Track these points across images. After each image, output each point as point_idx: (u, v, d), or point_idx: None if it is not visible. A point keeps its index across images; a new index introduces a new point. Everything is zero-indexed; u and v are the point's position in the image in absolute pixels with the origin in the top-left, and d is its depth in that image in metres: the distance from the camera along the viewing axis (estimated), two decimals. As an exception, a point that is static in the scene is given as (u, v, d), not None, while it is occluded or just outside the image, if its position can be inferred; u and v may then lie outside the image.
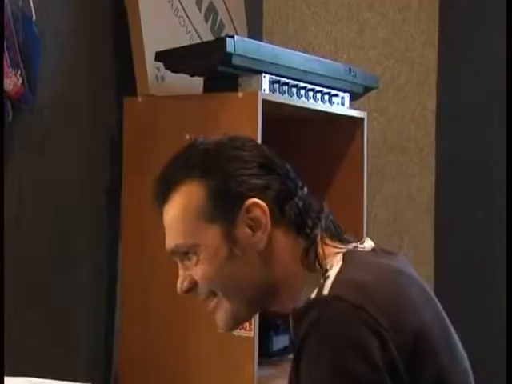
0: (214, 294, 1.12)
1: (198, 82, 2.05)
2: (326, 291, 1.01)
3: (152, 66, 2.11)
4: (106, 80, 2.15)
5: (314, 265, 1.09)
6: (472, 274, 2.67)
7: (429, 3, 2.76)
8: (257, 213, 1.09)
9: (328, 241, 1.12)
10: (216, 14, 2.42)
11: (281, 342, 2.12)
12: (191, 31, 2.31)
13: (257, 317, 1.93)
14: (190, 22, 2.31)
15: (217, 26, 2.41)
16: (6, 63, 1.71)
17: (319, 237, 1.11)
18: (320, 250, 1.10)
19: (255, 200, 1.09)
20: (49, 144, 1.97)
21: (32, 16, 1.79)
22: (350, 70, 2.23)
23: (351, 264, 1.06)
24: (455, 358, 1.08)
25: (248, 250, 1.09)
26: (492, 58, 2.64)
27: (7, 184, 1.82)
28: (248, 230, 1.09)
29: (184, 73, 2.05)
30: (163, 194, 1.13)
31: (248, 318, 1.16)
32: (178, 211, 1.11)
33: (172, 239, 1.14)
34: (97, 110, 2.12)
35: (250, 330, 1.93)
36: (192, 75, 2.05)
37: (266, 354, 2.08)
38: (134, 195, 2.10)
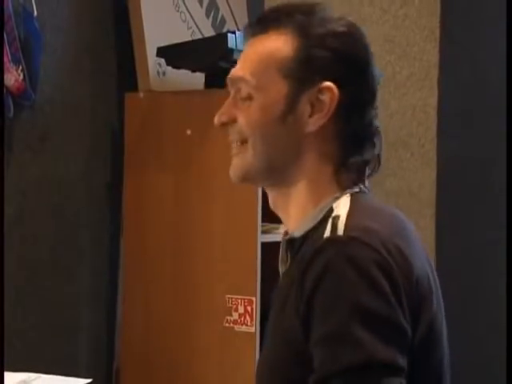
0: (242, 141, 1.09)
1: (199, 78, 2.05)
2: (340, 232, 1.00)
3: (153, 62, 2.11)
4: (107, 76, 2.15)
5: (342, 182, 1.08)
6: (473, 269, 2.68)
7: (430, -2, 2.76)
8: (326, 98, 1.06)
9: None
10: (217, 9, 2.42)
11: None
12: (192, 27, 2.31)
13: (258, 312, 1.94)
14: (192, 18, 2.31)
15: (218, 21, 2.41)
16: (8, 59, 1.71)
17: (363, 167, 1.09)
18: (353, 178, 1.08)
19: (333, 86, 1.06)
20: (50, 140, 1.97)
21: (33, 11, 1.79)
22: (351, 65, 2.22)
23: (359, 207, 1.05)
24: (440, 307, 1.09)
25: (298, 124, 1.07)
26: (493, 53, 2.64)
27: (9, 180, 1.82)
28: (309, 108, 1.07)
29: (185, 68, 2.06)
30: (261, 26, 1.10)
31: (257, 178, 1.11)
32: (263, 50, 1.09)
33: (241, 70, 1.11)
34: (98, 106, 2.12)
35: (252, 325, 1.94)
36: (193, 71, 2.05)
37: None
38: (135, 191, 2.10)
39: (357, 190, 1.09)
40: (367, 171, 1.11)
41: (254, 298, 1.94)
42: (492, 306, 2.57)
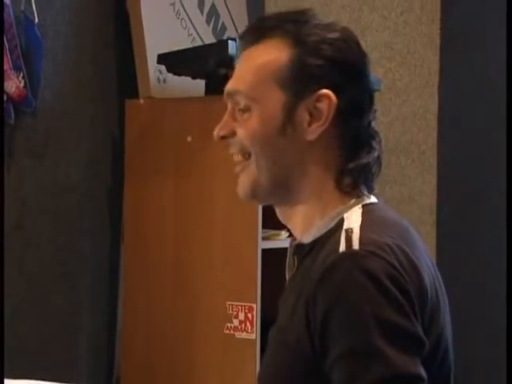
0: (244, 155, 1.09)
1: (199, 85, 2.06)
2: (355, 246, 1.00)
3: (154, 69, 2.12)
4: (108, 83, 2.15)
5: (344, 188, 1.08)
6: (473, 276, 2.67)
7: (431, 6, 2.76)
8: (324, 105, 1.06)
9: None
10: (218, 16, 2.42)
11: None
12: (193, 34, 2.31)
13: (258, 319, 1.93)
14: (192, 25, 2.31)
15: (218, 28, 2.41)
16: (9, 66, 1.71)
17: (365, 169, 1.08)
18: (357, 181, 1.09)
19: (330, 93, 1.06)
20: (51, 146, 1.97)
21: (34, 19, 1.80)
22: (351, 72, 2.23)
23: (371, 220, 1.05)
24: (447, 318, 1.09)
25: (298, 134, 1.07)
26: (494, 60, 2.64)
27: (10, 186, 1.82)
28: (307, 116, 1.06)
29: (186, 75, 2.06)
30: (253, 37, 1.10)
31: (265, 195, 1.11)
32: (258, 61, 1.08)
33: (237, 83, 1.10)
34: (99, 113, 2.12)
35: (252, 332, 1.93)
36: (194, 77, 2.05)
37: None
38: (135, 197, 2.10)
39: (367, 201, 1.09)
40: (370, 174, 1.11)
41: (254, 305, 1.94)
42: (493, 312, 2.57)
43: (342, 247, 1.00)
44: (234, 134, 1.09)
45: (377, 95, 2.74)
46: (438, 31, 2.75)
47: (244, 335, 1.94)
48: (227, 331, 1.96)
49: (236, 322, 1.95)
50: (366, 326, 0.95)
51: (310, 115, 1.07)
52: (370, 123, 1.11)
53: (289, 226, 1.14)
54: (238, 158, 1.10)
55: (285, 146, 1.07)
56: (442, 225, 2.73)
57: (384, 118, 2.78)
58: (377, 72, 2.70)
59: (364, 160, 1.09)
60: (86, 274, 2.08)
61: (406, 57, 2.77)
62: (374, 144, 1.11)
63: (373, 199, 1.12)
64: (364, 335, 0.95)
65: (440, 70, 2.75)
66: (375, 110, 1.13)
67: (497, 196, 2.59)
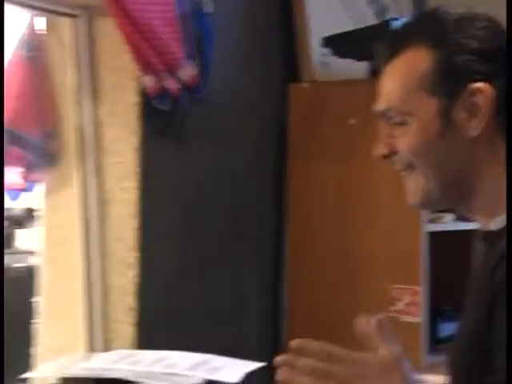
0: (410, 167, 1.07)
1: (363, 67, 2.05)
2: None
3: (317, 52, 2.13)
4: (272, 67, 2.18)
5: None
6: None
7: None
8: (480, 99, 1.03)
9: None
10: (380, -2, 2.39)
11: (448, 329, 2.08)
12: (354, 16, 2.30)
13: (424, 302, 1.91)
14: (354, 7, 2.30)
15: (381, 9, 2.39)
16: (183, 55, 1.78)
17: None
18: None
19: (482, 85, 1.03)
20: (218, 131, 2.03)
21: (208, 10, 1.85)
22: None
23: None
24: None
25: (459, 134, 1.04)
26: None
27: (181, 170, 1.90)
28: (465, 114, 1.04)
29: (350, 58, 2.06)
30: (389, 53, 1.09)
31: (435, 204, 1.11)
32: (401, 74, 1.07)
33: (386, 101, 1.08)
34: (263, 98, 2.15)
35: (417, 316, 1.92)
36: (359, 60, 2.05)
37: (432, 341, 2.05)
38: (299, 181, 2.13)
39: None
40: None
41: (419, 288, 1.92)
42: None
43: None
44: (394, 151, 1.08)
45: None
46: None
47: (409, 318, 1.92)
48: (391, 314, 1.95)
49: (401, 305, 1.94)
50: None
51: (468, 112, 1.04)
52: None
53: (470, 217, 1.11)
54: (405, 171, 1.09)
55: (448, 149, 1.05)
56: None
57: None
58: None
59: None
60: (252, 256, 2.13)
61: None
62: None
63: None
64: None
65: None
66: None
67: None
